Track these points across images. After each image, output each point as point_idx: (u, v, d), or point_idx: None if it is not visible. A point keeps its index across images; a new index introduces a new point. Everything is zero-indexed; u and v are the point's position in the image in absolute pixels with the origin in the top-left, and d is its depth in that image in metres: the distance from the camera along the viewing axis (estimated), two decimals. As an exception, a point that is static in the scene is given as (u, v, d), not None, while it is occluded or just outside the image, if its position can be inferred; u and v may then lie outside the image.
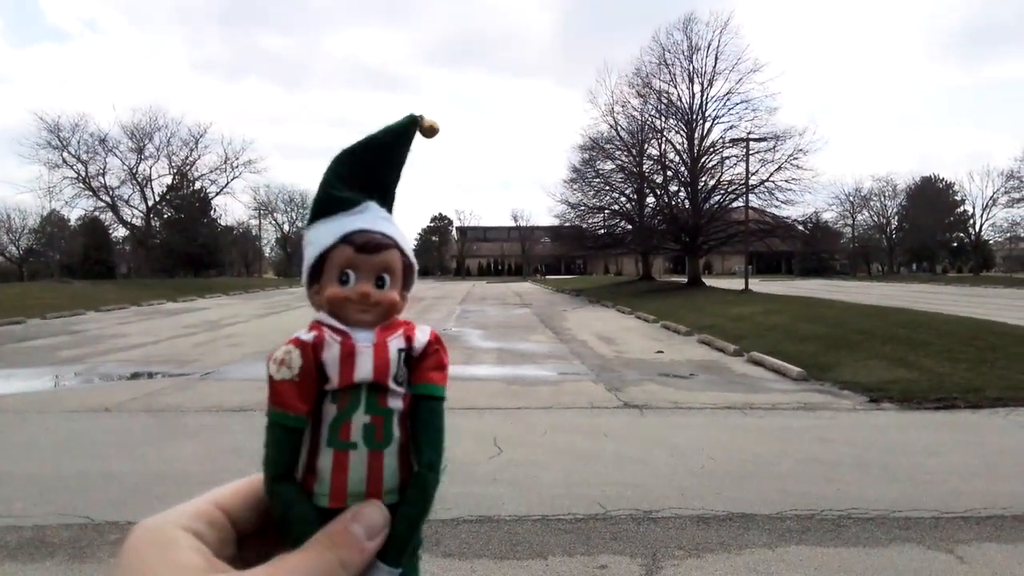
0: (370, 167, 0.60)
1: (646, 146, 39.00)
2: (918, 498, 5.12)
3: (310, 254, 0.58)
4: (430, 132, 0.61)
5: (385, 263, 0.58)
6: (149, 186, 52.29)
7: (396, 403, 0.55)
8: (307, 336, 0.55)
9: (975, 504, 4.97)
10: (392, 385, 0.55)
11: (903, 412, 8.33)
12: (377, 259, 0.57)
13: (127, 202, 51.73)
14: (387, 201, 0.62)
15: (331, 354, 0.54)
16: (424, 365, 0.57)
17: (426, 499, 0.55)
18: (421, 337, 0.58)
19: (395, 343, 0.56)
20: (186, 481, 5.36)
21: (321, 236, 0.58)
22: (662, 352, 13.69)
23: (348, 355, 0.54)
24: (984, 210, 70.65)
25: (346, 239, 0.57)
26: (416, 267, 0.62)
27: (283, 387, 0.53)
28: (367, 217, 0.59)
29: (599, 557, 4.13)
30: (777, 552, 4.21)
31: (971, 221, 73.99)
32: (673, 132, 37.74)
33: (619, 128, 39.13)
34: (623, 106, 38.61)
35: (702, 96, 36.34)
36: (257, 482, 0.56)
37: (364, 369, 0.54)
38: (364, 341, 0.55)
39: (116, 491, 5.20)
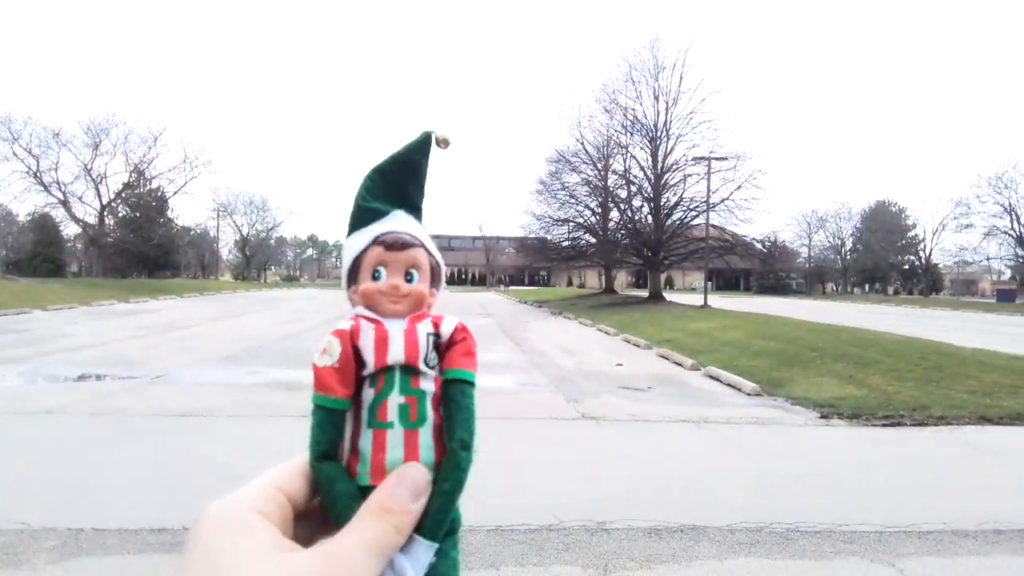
0: (396, 181, 0.66)
1: (611, 161, 39.54)
2: (864, 512, 5.24)
3: (347, 258, 0.65)
4: (444, 144, 0.66)
5: (413, 259, 0.63)
6: (104, 183, 51.10)
7: (428, 385, 0.59)
8: (345, 325, 0.60)
9: (917, 519, 5.11)
10: (423, 367, 0.59)
11: (852, 428, 8.53)
12: (405, 255, 0.63)
13: (80, 199, 50.43)
14: (414, 212, 0.67)
15: (367, 340, 0.59)
16: (453, 352, 0.61)
17: (460, 475, 0.58)
18: (448, 326, 0.62)
19: (423, 328, 0.61)
20: (132, 486, 5.20)
21: (355, 242, 0.65)
22: (622, 365, 13.81)
23: (381, 340, 0.59)
24: (934, 234, 73.32)
25: (377, 240, 0.63)
26: (443, 266, 0.68)
27: (325, 372, 0.58)
28: (395, 222, 0.65)
29: (551, 568, 4.13)
30: (726, 564, 4.26)
31: (922, 245, 76.62)
32: (638, 148, 38.29)
33: (585, 142, 39.58)
34: (590, 120, 39.16)
35: (666, 114, 36.91)
36: (306, 464, 0.59)
37: (396, 351, 0.59)
38: (396, 327, 0.60)
39: (56, 496, 5.01)
